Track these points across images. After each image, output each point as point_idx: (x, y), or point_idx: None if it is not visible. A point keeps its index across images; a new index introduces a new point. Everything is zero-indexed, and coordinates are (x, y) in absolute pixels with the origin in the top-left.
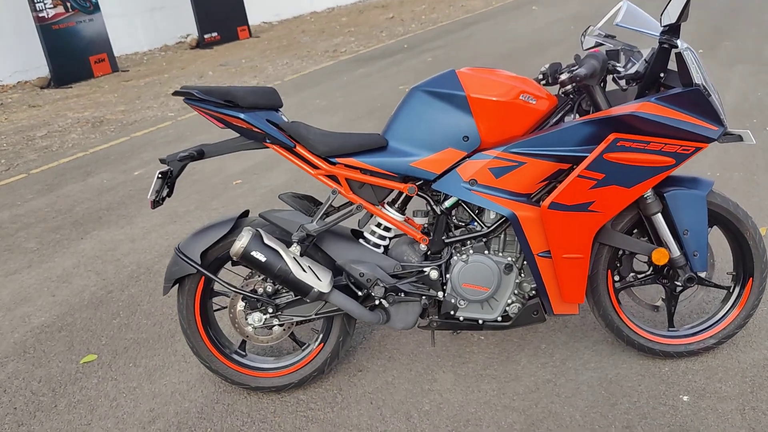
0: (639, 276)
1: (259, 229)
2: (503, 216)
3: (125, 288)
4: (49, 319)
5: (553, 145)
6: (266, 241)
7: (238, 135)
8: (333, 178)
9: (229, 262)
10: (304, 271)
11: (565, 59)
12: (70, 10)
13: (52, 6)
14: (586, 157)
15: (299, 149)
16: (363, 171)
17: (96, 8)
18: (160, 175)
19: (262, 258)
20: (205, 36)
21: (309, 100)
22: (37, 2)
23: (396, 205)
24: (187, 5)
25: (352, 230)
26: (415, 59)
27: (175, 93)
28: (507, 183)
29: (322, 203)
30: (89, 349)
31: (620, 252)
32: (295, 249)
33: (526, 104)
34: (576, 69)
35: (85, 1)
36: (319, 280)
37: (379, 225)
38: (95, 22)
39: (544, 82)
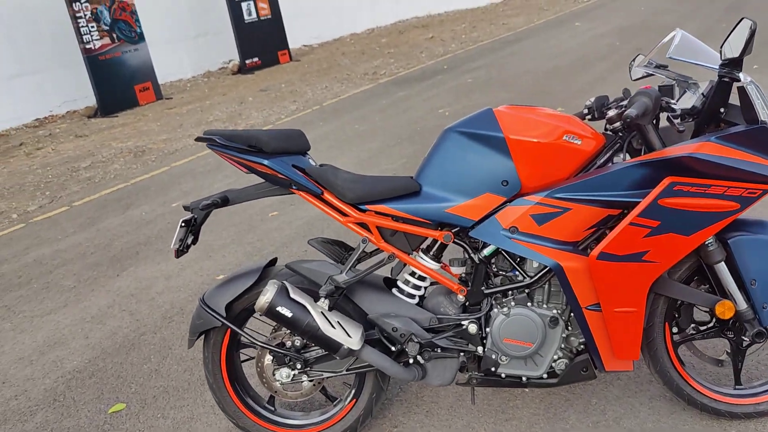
0: (700, 328)
1: (285, 282)
2: (547, 266)
3: (158, 330)
4: (81, 364)
5: (601, 189)
6: (292, 295)
7: (262, 180)
8: (363, 225)
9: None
10: (333, 327)
11: (610, 75)
12: (116, 41)
13: (99, 37)
14: (639, 202)
15: (327, 196)
16: (395, 218)
17: (141, 38)
18: (183, 223)
19: (288, 313)
20: (247, 61)
21: (348, 125)
22: (85, 34)
23: (431, 253)
24: (230, 31)
25: (385, 278)
26: (455, 81)
27: (198, 139)
28: (551, 231)
29: (353, 249)
30: (118, 398)
31: (679, 302)
32: (324, 303)
33: (571, 145)
34: (626, 108)
35: (131, 32)
36: (349, 337)
37: (413, 273)
38: (140, 51)
39: (589, 117)
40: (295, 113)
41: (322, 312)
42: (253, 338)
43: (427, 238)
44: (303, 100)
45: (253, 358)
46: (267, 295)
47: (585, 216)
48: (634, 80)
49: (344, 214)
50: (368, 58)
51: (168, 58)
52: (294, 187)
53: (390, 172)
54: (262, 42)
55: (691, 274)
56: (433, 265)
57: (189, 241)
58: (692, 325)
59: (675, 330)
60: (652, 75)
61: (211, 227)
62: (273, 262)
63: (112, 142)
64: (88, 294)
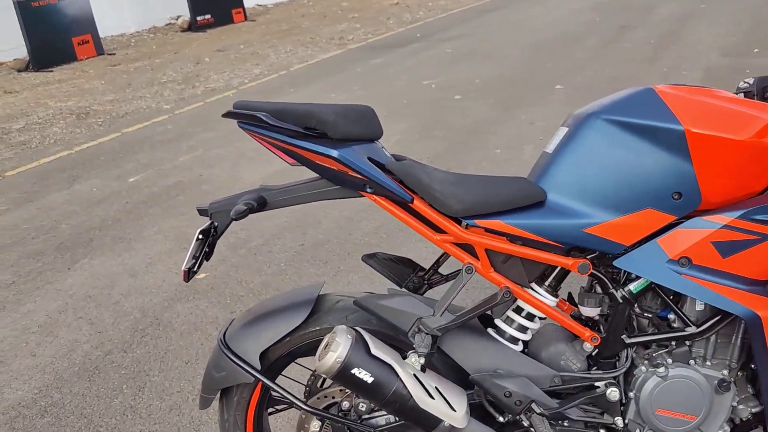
0: None
1: (360, 330)
2: (726, 312)
3: (128, 347)
4: (28, 394)
5: None
6: (374, 350)
7: (317, 176)
8: (465, 246)
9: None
10: (430, 396)
11: (605, 51)
12: None
13: None
14: None
15: (418, 204)
16: (511, 238)
17: None
18: (200, 236)
19: (367, 378)
20: (198, 18)
21: (323, 93)
22: None
23: (546, 284)
24: None
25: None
26: (433, 50)
27: (228, 114)
28: (741, 265)
29: (424, 269)
30: None
31: None
32: (415, 360)
33: None
34: None
35: None
36: (453, 410)
37: (517, 309)
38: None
39: None
40: (259, 77)
41: (414, 374)
42: (295, 397)
43: (550, 266)
44: (267, 64)
45: (280, 410)
46: (339, 351)
47: None
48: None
49: (438, 230)
50: (331, 22)
51: (109, 10)
52: (369, 190)
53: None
54: None
55: None
56: (551, 300)
57: (201, 256)
58: None
59: None
60: None
61: (180, 207)
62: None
63: (49, 101)
64: (32, 292)
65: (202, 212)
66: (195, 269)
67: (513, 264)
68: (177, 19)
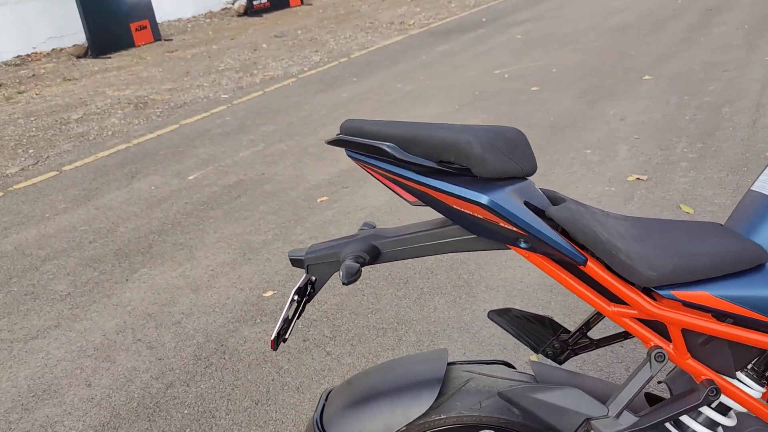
0: None
1: None
2: None
3: (191, 380)
4: None
5: None
6: None
7: (442, 218)
8: (652, 323)
9: None
10: None
11: (694, 37)
12: None
13: None
14: None
15: (592, 267)
16: (717, 314)
17: None
18: (296, 296)
19: None
20: (254, 2)
21: (388, 83)
22: None
23: (749, 367)
24: None
25: (647, 395)
26: (502, 35)
27: (336, 142)
28: None
29: (568, 332)
30: None
31: None
32: None
33: None
34: None
35: None
36: None
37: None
38: None
39: None
40: (319, 65)
41: None
42: None
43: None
44: (326, 50)
45: None
46: None
47: None
48: None
49: (615, 298)
50: (390, 6)
51: None
52: (523, 245)
53: None
54: None
55: None
56: (756, 391)
57: (295, 320)
58: None
59: None
60: None
61: (242, 210)
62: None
63: (107, 89)
64: (88, 307)
65: (295, 263)
66: (286, 336)
67: (717, 348)
68: (233, 4)
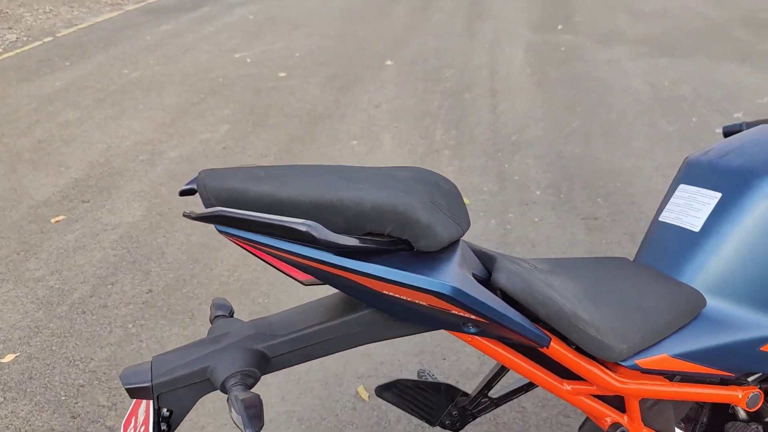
0: None
1: None
2: None
3: None
4: None
5: None
6: None
7: (343, 295)
8: (610, 400)
9: None
10: None
11: (412, 22)
12: None
13: None
14: None
15: (555, 347)
16: (669, 375)
17: None
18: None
19: None
20: None
21: (110, 68)
22: None
23: (698, 425)
24: None
25: None
26: (229, 15)
27: (204, 218)
28: None
29: (467, 395)
30: None
31: None
32: None
33: None
34: None
35: None
36: None
37: None
38: None
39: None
40: (16, 46)
41: None
42: None
43: (704, 403)
44: (23, 28)
45: None
46: None
47: None
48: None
49: (571, 375)
50: None
51: None
52: (471, 330)
53: (214, 144)
54: None
55: None
56: None
57: None
58: None
59: None
60: None
61: None
62: None
63: None
64: None
65: (137, 393)
66: None
67: (662, 409)
68: None
